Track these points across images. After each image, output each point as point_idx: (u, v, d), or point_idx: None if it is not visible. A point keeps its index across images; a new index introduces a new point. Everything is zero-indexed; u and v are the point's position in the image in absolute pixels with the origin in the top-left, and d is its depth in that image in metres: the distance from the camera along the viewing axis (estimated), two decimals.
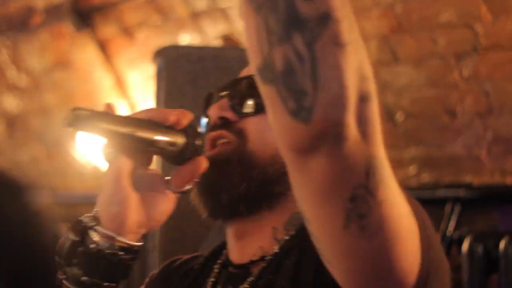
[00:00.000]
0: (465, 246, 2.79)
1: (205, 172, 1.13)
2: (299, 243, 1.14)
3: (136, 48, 4.03)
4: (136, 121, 1.06)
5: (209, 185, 1.19)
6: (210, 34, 3.68)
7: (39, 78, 4.64)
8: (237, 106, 1.22)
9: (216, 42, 3.65)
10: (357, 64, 0.85)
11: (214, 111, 1.23)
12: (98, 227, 1.07)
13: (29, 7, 4.31)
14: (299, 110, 0.85)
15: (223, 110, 1.22)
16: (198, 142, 1.11)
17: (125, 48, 4.11)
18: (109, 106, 1.08)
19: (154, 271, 1.39)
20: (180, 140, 1.09)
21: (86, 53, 4.26)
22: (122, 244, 1.07)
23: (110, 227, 1.07)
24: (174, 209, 1.16)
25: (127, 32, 4.03)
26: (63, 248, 1.09)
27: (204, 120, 1.29)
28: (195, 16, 3.68)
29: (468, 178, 3.05)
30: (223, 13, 3.56)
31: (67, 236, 1.09)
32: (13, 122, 5.03)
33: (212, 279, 1.25)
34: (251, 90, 1.20)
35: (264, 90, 0.88)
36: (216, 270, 1.26)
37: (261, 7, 0.84)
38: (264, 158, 1.18)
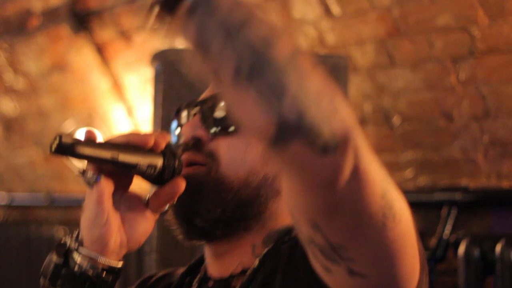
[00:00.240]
0: (461, 249, 2.79)
1: (180, 196, 1.15)
2: (277, 253, 1.15)
3: (134, 51, 4.03)
4: (117, 146, 1.10)
5: (183, 209, 1.19)
6: None
7: (37, 81, 4.64)
8: (209, 125, 1.22)
9: None
10: None
11: (187, 129, 1.23)
12: (81, 249, 1.11)
13: (26, 10, 4.32)
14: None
15: (195, 128, 1.22)
16: (175, 163, 1.14)
17: (122, 51, 4.11)
18: (90, 132, 1.10)
19: None
20: (159, 162, 1.12)
21: (83, 56, 4.26)
22: (104, 265, 1.11)
23: (93, 249, 1.11)
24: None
25: (125, 35, 4.03)
26: (47, 270, 1.12)
27: (176, 128, 1.28)
28: None
29: (465, 181, 3.06)
30: None
31: (51, 259, 1.12)
32: (10, 125, 5.03)
33: None
34: (223, 109, 1.20)
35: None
36: (196, 285, 1.26)
37: None
38: (237, 181, 1.18)
